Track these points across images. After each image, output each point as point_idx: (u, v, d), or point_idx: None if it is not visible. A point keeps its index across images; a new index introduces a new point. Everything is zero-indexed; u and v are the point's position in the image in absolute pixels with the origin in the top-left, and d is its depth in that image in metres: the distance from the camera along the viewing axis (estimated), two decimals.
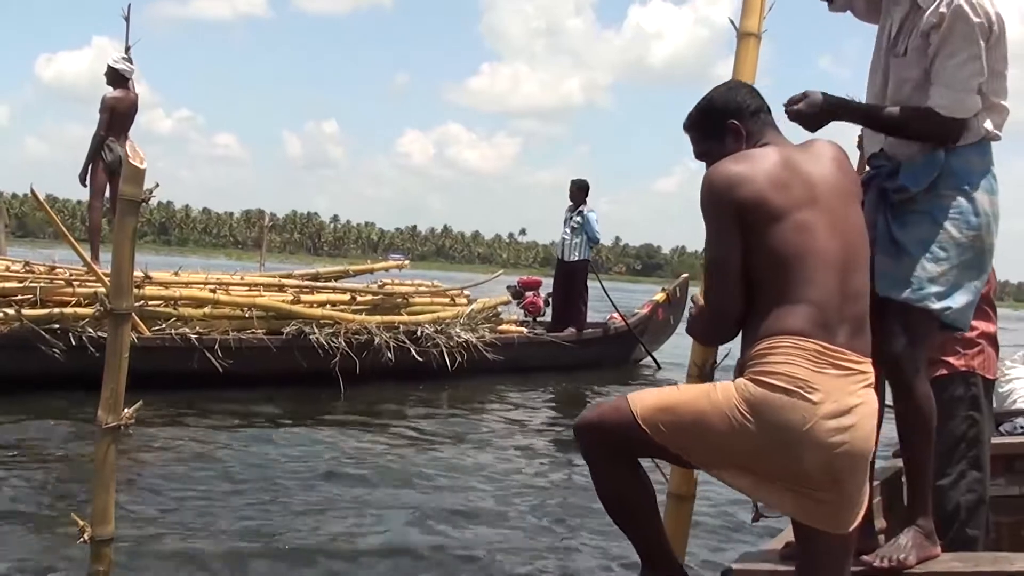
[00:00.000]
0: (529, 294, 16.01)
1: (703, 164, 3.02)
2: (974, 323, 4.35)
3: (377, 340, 11.43)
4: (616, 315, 15.69)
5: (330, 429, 9.06)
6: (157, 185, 4.77)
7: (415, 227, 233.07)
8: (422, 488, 6.70)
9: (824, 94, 3.27)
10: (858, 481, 2.72)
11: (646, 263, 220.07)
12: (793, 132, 3.13)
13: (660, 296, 16.55)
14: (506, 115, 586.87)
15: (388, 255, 18.73)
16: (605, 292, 15.57)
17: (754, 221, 2.71)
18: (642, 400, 2.82)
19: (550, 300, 15.86)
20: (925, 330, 3.26)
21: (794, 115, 3.25)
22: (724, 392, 2.71)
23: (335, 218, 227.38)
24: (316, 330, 11.02)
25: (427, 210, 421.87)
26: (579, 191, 14.99)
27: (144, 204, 4.64)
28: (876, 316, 3.08)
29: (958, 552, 3.54)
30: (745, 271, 2.76)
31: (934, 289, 3.21)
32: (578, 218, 14.87)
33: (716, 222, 2.80)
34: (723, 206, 2.76)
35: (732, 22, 3.34)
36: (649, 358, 16.07)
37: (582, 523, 5.93)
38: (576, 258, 14.98)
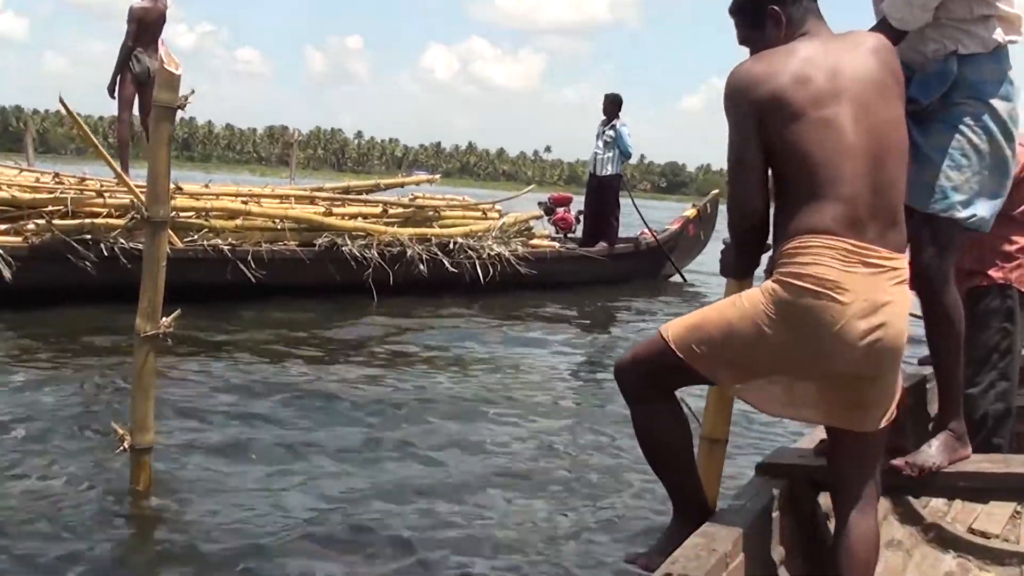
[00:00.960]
0: (560, 210, 15.98)
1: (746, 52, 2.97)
2: (1014, 237, 4.38)
3: (410, 252, 11.44)
4: (647, 231, 15.61)
5: (365, 343, 9.04)
6: (193, 92, 4.73)
7: (439, 144, 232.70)
8: (458, 417, 6.46)
9: None
10: (889, 379, 2.71)
11: (671, 181, 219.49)
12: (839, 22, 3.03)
13: (691, 212, 16.49)
14: (531, 31, 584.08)
15: (413, 171, 18.64)
16: (636, 207, 15.46)
17: (775, 120, 2.67)
18: (673, 326, 2.81)
19: (581, 217, 15.85)
20: (951, 238, 3.25)
21: None
22: (751, 299, 2.69)
23: (359, 134, 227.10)
24: (349, 242, 11.01)
25: (452, 127, 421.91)
26: (612, 105, 14.80)
27: (180, 110, 4.61)
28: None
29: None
30: (774, 171, 2.75)
31: (959, 198, 3.21)
32: (611, 132, 14.69)
33: (735, 122, 2.76)
34: (742, 106, 2.72)
35: None
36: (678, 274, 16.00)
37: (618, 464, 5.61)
38: (608, 172, 14.83)
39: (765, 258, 2.89)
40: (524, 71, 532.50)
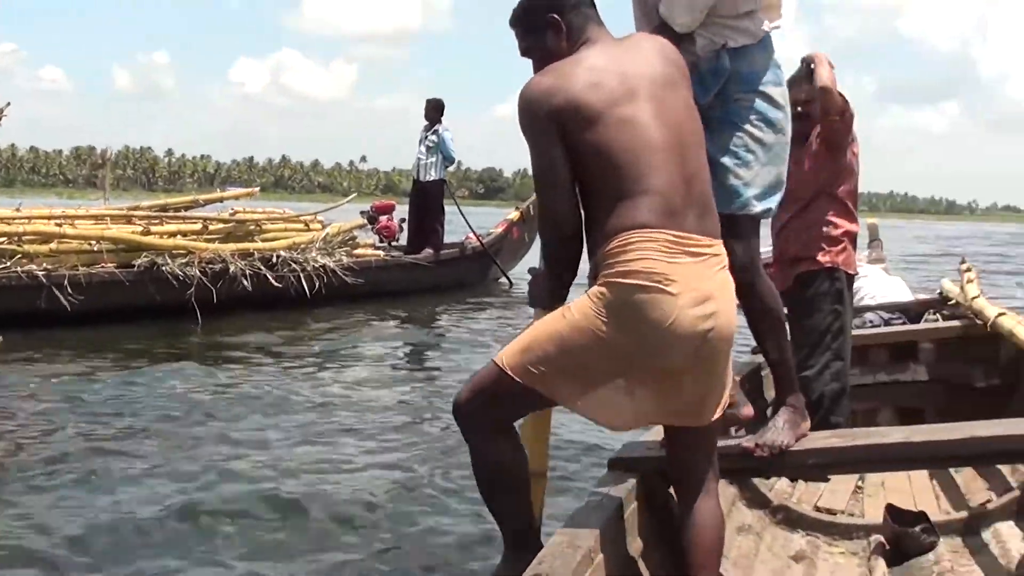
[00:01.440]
0: (383, 218, 15.92)
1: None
2: (838, 221, 4.62)
3: (232, 268, 11.19)
4: (472, 235, 15.65)
5: (190, 363, 8.74)
6: (9, 104, 4.55)
7: (252, 158, 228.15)
8: (286, 425, 6.45)
9: None
10: (722, 366, 2.74)
11: (489, 187, 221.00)
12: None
13: (514, 215, 16.62)
14: (343, 40, 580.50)
15: (226, 187, 18.24)
16: (461, 212, 15.53)
17: (575, 127, 2.64)
18: (506, 352, 2.75)
19: (404, 225, 15.79)
20: (752, 231, 3.29)
21: None
22: (579, 308, 2.64)
23: (169, 152, 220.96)
24: (169, 261, 10.72)
25: (264, 140, 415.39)
26: (434, 110, 14.79)
27: None
28: None
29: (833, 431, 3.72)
30: (579, 179, 2.72)
31: (752, 193, 3.23)
32: (433, 137, 14.68)
33: (535, 137, 2.72)
34: (539, 120, 2.69)
35: None
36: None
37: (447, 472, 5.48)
38: (432, 178, 14.81)
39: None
40: (337, 81, 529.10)
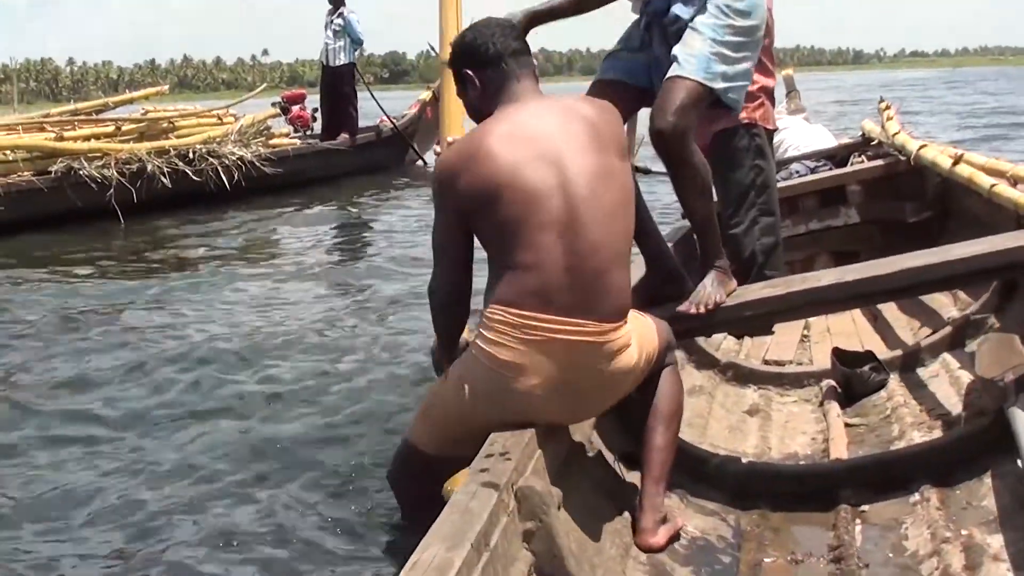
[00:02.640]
0: (295, 108, 15.82)
1: None
2: (755, 76, 4.62)
3: (150, 167, 11.13)
4: (385, 118, 15.63)
5: (114, 265, 8.87)
6: None
7: (154, 60, 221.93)
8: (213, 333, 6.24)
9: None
10: (588, 411, 2.85)
11: (393, 71, 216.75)
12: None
13: (426, 95, 16.43)
14: None
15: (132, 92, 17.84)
16: (372, 95, 15.48)
17: (478, 205, 2.59)
18: (412, 427, 2.94)
19: (316, 115, 15.74)
20: (701, 107, 3.29)
21: None
22: (451, 374, 2.74)
23: (71, 61, 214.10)
24: (86, 164, 10.63)
25: (164, 41, 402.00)
26: None
27: None
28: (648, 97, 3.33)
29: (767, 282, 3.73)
30: (481, 243, 2.70)
31: (721, 69, 3.25)
32: (339, 21, 14.57)
33: (438, 211, 2.72)
34: (445, 200, 2.68)
35: (432, 48, 3.17)
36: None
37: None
38: (342, 62, 14.75)
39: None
40: None
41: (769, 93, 4.62)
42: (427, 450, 2.83)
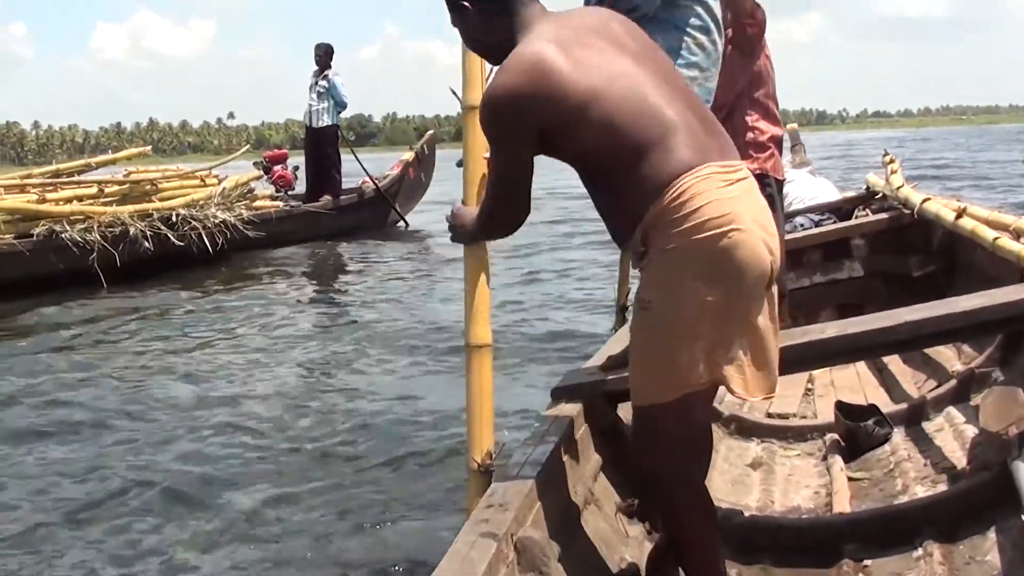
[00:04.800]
0: (277, 168, 15.70)
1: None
2: (762, 126, 4.62)
3: (133, 230, 10.96)
4: (368, 179, 15.52)
5: (94, 328, 8.69)
6: None
7: (119, 124, 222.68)
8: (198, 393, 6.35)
9: None
10: (776, 251, 2.51)
11: (359, 133, 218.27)
12: None
13: (409, 156, 16.52)
14: None
15: (96, 156, 17.76)
16: (356, 156, 15.40)
17: (563, 119, 2.41)
18: (638, 390, 2.53)
19: (298, 173, 15.67)
20: None
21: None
22: (663, 287, 2.41)
23: (36, 124, 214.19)
24: (68, 227, 10.45)
25: (130, 105, 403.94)
26: (325, 55, 14.64)
27: None
28: None
29: None
30: (580, 150, 2.48)
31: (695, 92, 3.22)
32: (324, 83, 14.55)
33: (507, 141, 2.48)
34: (514, 127, 2.45)
35: (455, 93, 3.00)
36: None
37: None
38: (325, 123, 14.69)
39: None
40: (195, 37, 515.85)
41: (778, 143, 4.66)
42: (675, 395, 2.43)
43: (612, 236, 2.57)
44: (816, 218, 6.85)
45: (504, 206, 2.61)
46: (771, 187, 4.48)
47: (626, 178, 2.42)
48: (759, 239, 2.37)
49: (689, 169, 2.34)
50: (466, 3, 2.57)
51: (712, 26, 3.41)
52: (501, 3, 2.55)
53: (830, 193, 7.65)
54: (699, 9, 3.37)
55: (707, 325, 2.36)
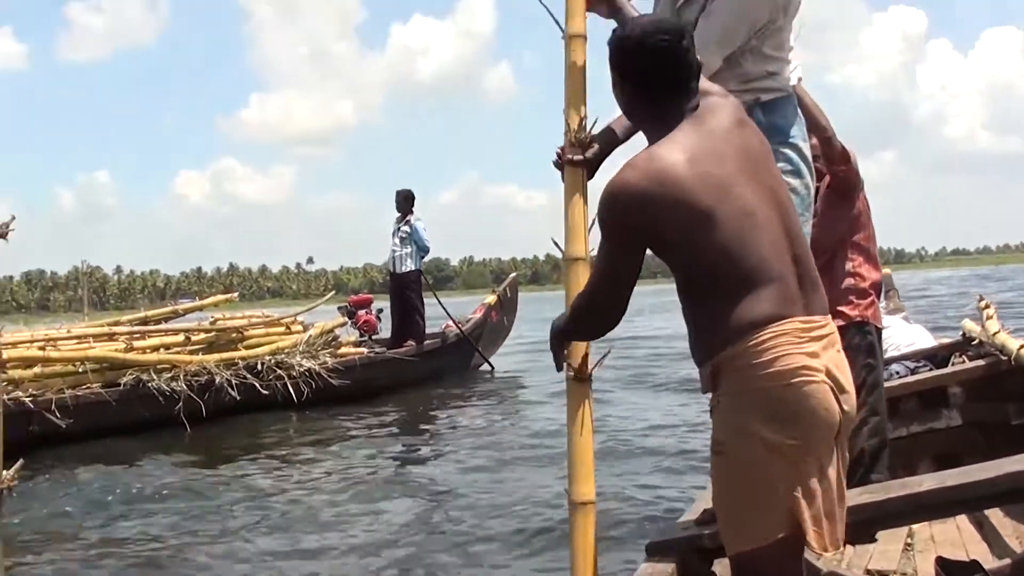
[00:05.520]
0: (362, 312, 15.71)
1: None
2: (864, 272, 4.61)
3: (218, 379, 11.00)
4: (451, 323, 15.44)
5: (184, 471, 8.62)
6: (14, 218, 4.51)
7: (200, 268, 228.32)
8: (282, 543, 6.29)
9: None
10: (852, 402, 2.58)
11: (436, 277, 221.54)
12: None
13: (491, 299, 16.53)
14: (280, 144, 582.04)
15: (178, 301, 18.17)
16: (439, 300, 15.41)
17: (678, 225, 2.43)
18: (729, 541, 2.54)
19: (381, 316, 15.66)
20: None
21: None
22: (732, 430, 2.46)
23: (118, 269, 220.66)
24: (154, 376, 10.52)
25: (210, 250, 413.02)
26: (405, 201, 14.72)
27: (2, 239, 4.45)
28: None
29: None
30: (683, 269, 2.53)
31: None
32: (406, 228, 14.59)
33: (619, 239, 2.52)
34: (628, 226, 2.48)
35: (557, 244, 3.01)
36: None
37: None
38: (408, 268, 14.67)
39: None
40: (277, 184, 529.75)
41: (878, 289, 4.60)
42: (754, 543, 2.46)
43: (689, 347, 2.59)
44: (912, 365, 6.72)
45: (599, 299, 2.64)
46: (871, 335, 4.44)
47: (712, 308, 2.47)
48: (829, 390, 2.41)
49: (771, 322, 2.40)
50: (620, 76, 2.64)
51: (804, 168, 3.33)
52: (647, 95, 2.61)
53: (926, 340, 7.48)
54: (788, 152, 3.29)
55: (779, 469, 2.40)
